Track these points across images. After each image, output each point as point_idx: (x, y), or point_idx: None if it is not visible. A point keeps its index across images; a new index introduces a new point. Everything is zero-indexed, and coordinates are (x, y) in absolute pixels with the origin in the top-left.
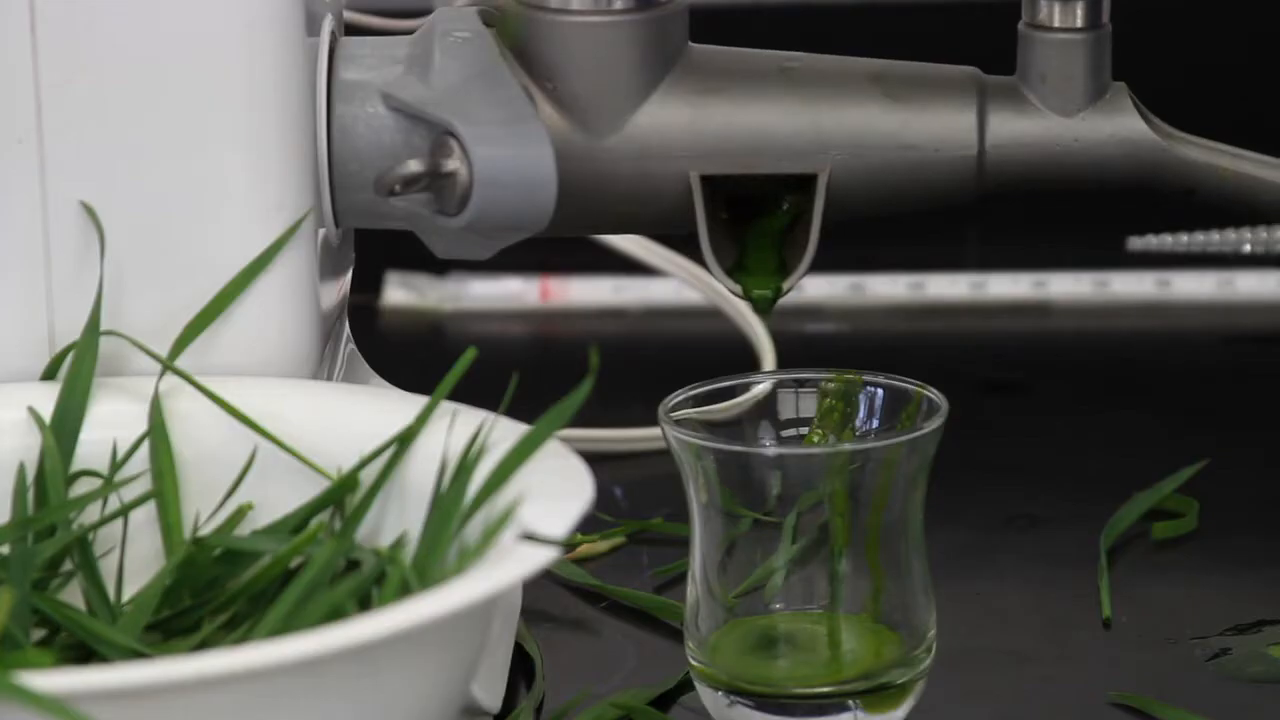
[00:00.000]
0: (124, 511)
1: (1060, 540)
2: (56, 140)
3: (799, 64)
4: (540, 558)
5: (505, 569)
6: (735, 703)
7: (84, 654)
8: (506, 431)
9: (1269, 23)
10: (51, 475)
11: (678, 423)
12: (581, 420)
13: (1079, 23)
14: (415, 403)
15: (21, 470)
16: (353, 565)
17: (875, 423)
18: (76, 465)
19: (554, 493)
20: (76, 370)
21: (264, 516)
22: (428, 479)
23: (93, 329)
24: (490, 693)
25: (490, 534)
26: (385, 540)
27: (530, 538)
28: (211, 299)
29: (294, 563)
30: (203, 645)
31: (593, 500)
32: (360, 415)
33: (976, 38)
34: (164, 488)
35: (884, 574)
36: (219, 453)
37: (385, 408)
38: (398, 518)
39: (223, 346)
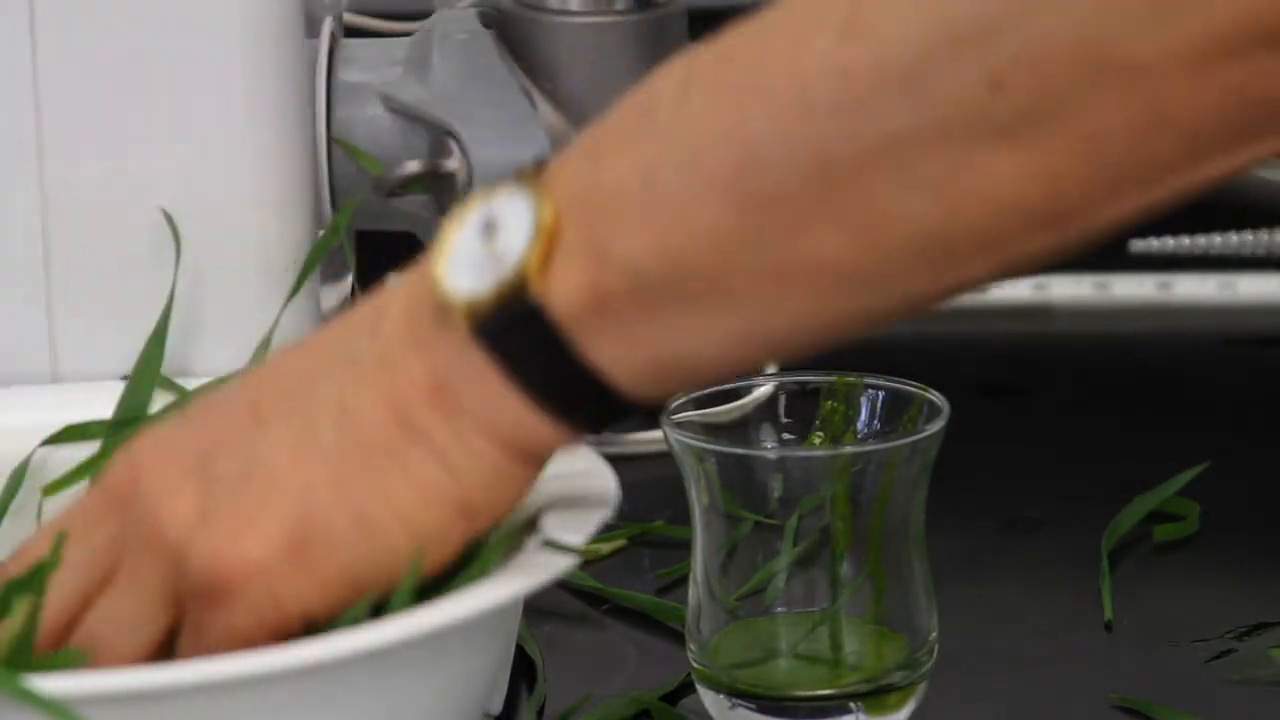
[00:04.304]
0: None
1: (1061, 543)
2: (56, 142)
3: None
4: (561, 564)
5: (525, 576)
6: (737, 705)
7: None
8: None
9: None
10: None
11: (679, 425)
12: None
13: None
14: None
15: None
16: None
17: (877, 425)
18: None
19: (577, 497)
20: (141, 373)
21: None
22: None
23: (158, 338)
24: (491, 695)
25: (508, 538)
26: None
27: (551, 544)
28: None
29: None
30: None
31: (616, 506)
32: None
33: None
34: None
35: (885, 576)
36: None
37: None
38: None
39: (224, 348)
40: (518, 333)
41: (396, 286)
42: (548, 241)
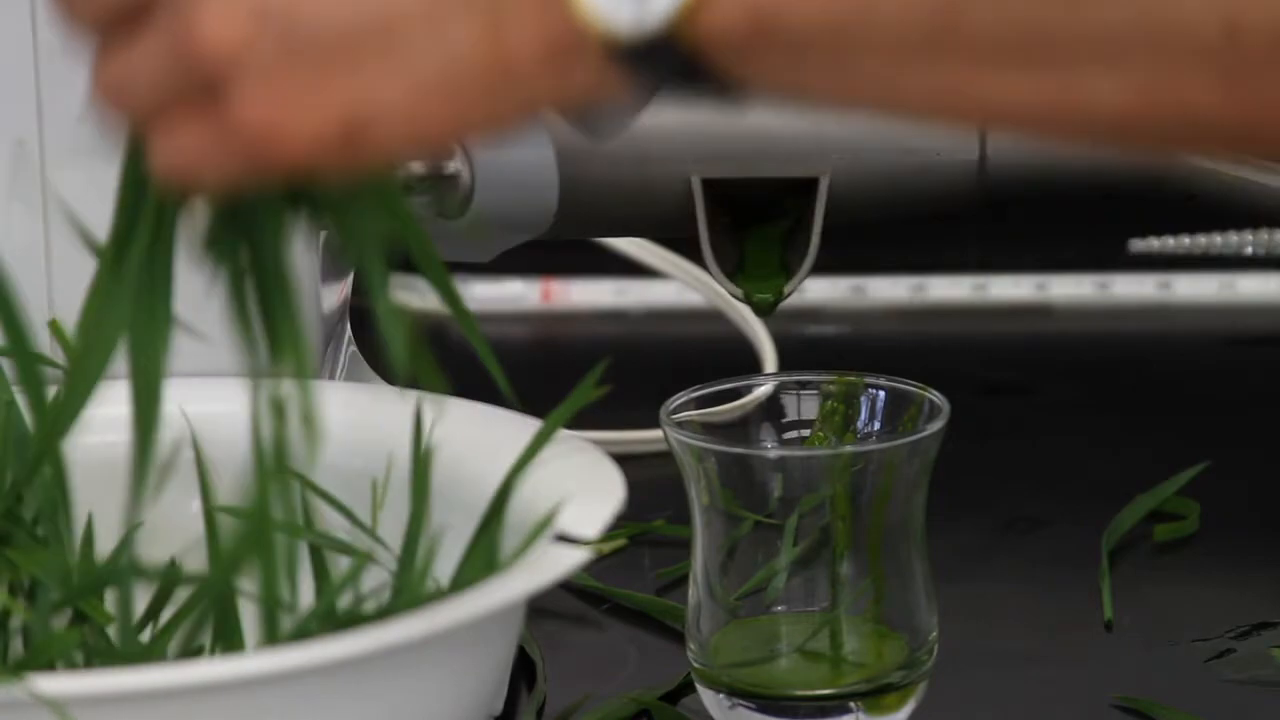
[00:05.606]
0: None
1: (1062, 542)
2: (58, 141)
3: None
4: (571, 560)
5: (543, 569)
6: (737, 704)
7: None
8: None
9: None
10: None
11: (679, 425)
12: (583, 422)
13: None
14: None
15: None
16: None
17: (877, 425)
18: None
19: (585, 493)
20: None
21: None
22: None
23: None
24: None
25: (531, 537)
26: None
27: (564, 539)
28: None
29: None
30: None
31: (624, 500)
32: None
33: None
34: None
35: (886, 576)
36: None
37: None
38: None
39: (224, 347)
40: (655, 63)
41: None
42: None
